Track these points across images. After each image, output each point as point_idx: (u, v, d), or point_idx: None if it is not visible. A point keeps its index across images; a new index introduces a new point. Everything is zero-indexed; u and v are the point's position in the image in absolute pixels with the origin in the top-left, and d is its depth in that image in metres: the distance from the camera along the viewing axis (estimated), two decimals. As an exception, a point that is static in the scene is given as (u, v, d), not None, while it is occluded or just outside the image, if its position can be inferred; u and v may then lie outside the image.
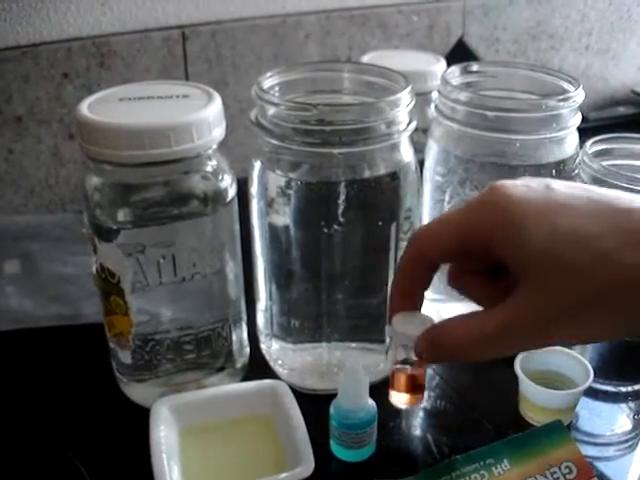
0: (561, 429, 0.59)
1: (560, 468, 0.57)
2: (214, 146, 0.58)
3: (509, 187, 0.42)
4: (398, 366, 0.57)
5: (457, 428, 0.65)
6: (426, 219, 0.71)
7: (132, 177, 0.57)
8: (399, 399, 0.59)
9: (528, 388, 0.62)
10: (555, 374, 0.65)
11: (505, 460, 0.57)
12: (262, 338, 0.69)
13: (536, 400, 0.62)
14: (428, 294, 0.74)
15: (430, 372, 0.71)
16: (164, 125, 0.54)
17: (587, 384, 0.61)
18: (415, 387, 0.58)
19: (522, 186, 0.42)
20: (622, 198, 0.41)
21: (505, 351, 0.45)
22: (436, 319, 0.74)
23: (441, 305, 0.74)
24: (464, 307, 0.72)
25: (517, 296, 0.42)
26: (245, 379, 0.67)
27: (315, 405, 0.60)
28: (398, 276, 0.49)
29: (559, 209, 0.40)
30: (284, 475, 0.54)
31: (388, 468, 0.59)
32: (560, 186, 0.42)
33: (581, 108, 0.67)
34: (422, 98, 0.70)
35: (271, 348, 0.68)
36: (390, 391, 0.59)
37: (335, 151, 0.56)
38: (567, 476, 0.56)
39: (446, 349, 0.46)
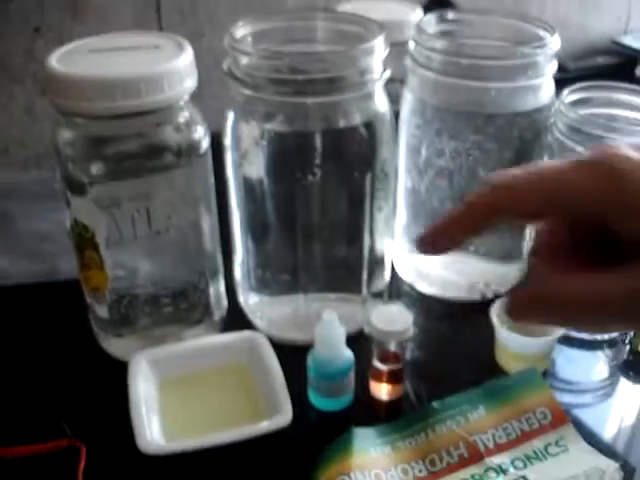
0: (536, 376, 0.59)
1: (535, 414, 0.57)
2: (186, 97, 0.57)
3: (625, 149, 0.36)
4: (377, 360, 0.59)
5: (435, 377, 0.66)
6: (402, 171, 0.71)
7: (104, 130, 0.56)
8: (379, 390, 0.60)
9: (504, 336, 0.63)
10: None
11: (481, 406, 0.57)
12: (240, 291, 0.69)
13: (511, 347, 0.63)
14: (405, 245, 0.75)
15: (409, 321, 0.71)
16: (135, 76, 0.53)
17: (562, 330, 0.62)
18: (395, 379, 0.60)
19: (637, 148, 0.36)
20: None
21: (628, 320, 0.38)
22: (414, 271, 0.75)
23: (418, 256, 0.74)
24: (441, 257, 0.72)
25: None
26: (223, 331, 0.67)
27: (293, 356, 0.60)
28: (459, 213, 0.40)
29: None
30: (262, 424, 0.54)
31: (366, 416, 0.60)
32: None
33: (560, 58, 0.66)
34: (399, 48, 0.69)
35: (249, 301, 0.68)
36: (370, 383, 0.60)
37: (309, 101, 0.56)
38: (542, 422, 0.57)
39: (556, 306, 0.39)
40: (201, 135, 0.59)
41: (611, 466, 0.53)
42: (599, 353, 0.69)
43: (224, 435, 0.54)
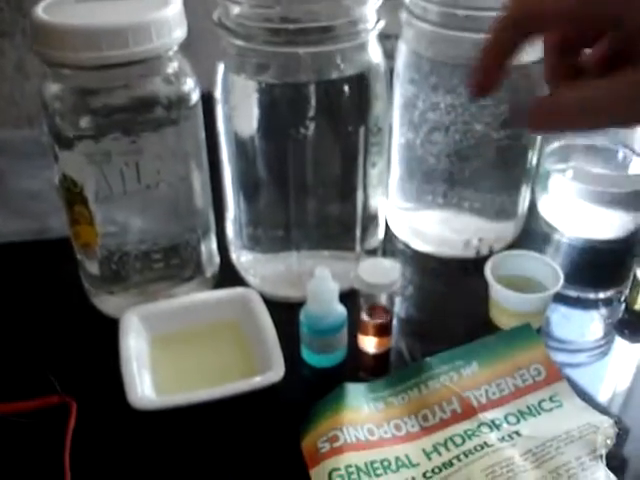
0: (530, 332, 0.59)
1: (529, 370, 0.57)
2: (175, 47, 0.56)
3: None
4: (365, 313, 0.58)
5: (429, 333, 0.65)
6: (396, 126, 0.70)
7: (91, 81, 0.55)
8: (368, 344, 0.60)
9: (498, 292, 0.62)
10: (525, 279, 0.64)
11: (474, 362, 0.57)
12: (232, 248, 0.69)
13: (506, 304, 0.62)
14: (399, 203, 0.74)
15: (403, 280, 0.71)
16: (122, 25, 0.52)
17: (557, 288, 0.61)
18: (382, 332, 0.59)
19: None
20: None
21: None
22: (409, 229, 0.74)
23: (413, 214, 0.73)
24: (435, 214, 0.72)
25: None
26: (216, 288, 0.67)
27: (287, 313, 0.59)
28: (491, 37, 0.43)
29: None
30: (254, 380, 0.54)
31: (359, 373, 0.60)
32: None
33: None
34: (394, 3, 0.68)
35: (241, 258, 0.68)
36: (359, 336, 0.60)
37: (300, 51, 0.54)
38: (536, 378, 0.57)
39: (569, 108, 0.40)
40: (191, 87, 0.58)
41: (605, 422, 0.53)
42: (594, 312, 0.68)
43: (215, 390, 0.53)
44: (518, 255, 0.65)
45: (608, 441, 0.52)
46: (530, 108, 0.41)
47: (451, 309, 0.68)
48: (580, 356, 0.64)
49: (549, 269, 0.63)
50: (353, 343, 0.61)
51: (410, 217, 0.74)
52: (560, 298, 0.67)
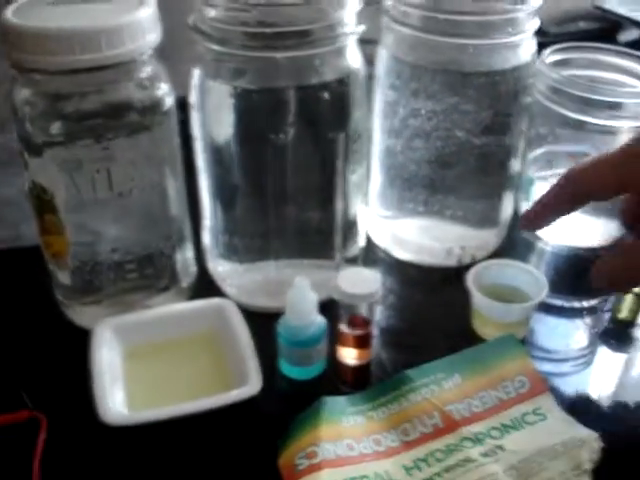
0: (514, 343, 0.58)
1: (513, 382, 0.56)
2: (149, 52, 0.54)
3: None
4: (345, 324, 0.57)
5: (410, 344, 0.64)
6: (377, 133, 0.69)
7: (62, 86, 0.53)
8: (347, 355, 0.58)
9: (480, 302, 0.61)
10: (509, 288, 0.63)
11: (456, 374, 0.56)
12: (209, 257, 0.67)
13: (489, 314, 0.61)
14: (380, 211, 0.73)
15: (383, 290, 0.70)
16: (94, 28, 0.50)
17: (541, 297, 0.60)
18: (362, 344, 0.58)
19: None
20: None
21: None
22: (389, 237, 0.73)
23: (393, 222, 0.72)
24: (417, 222, 0.71)
25: None
26: (192, 299, 0.65)
27: (265, 324, 0.58)
28: (550, 201, 0.52)
29: None
30: (229, 394, 0.52)
31: (338, 385, 0.58)
32: None
33: (542, 23, 0.64)
34: (375, 7, 0.67)
35: (218, 268, 0.66)
36: (338, 348, 0.58)
37: (278, 55, 0.53)
38: (519, 390, 0.55)
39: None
40: (165, 92, 0.56)
41: (590, 436, 0.52)
42: (579, 321, 0.67)
43: (189, 406, 0.52)
44: (501, 264, 0.64)
45: (593, 455, 0.51)
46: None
47: (433, 319, 0.67)
48: (565, 366, 0.63)
49: (533, 278, 0.62)
50: (333, 355, 0.59)
51: (391, 225, 0.72)
52: (544, 307, 0.66)
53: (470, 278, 0.61)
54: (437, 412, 0.53)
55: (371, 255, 0.73)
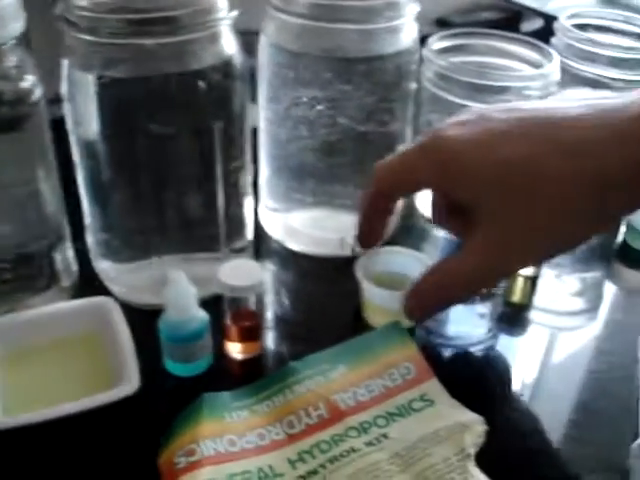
0: (399, 330, 0.57)
1: (398, 369, 0.55)
2: (12, 41, 0.52)
3: (446, 130, 0.46)
4: (229, 317, 0.56)
5: (303, 337, 0.63)
6: (262, 123, 0.68)
7: None
8: (234, 349, 0.57)
9: (369, 291, 0.60)
10: (398, 275, 0.63)
11: (342, 364, 0.55)
12: (93, 256, 0.65)
13: (378, 302, 0.60)
14: (269, 203, 0.72)
15: (272, 281, 0.69)
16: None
17: None
18: (249, 337, 0.57)
19: (458, 125, 0.47)
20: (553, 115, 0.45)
21: (490, 284, 0.54)
22: (281, 229, 0.72)
23: (284, 214, 0.71)
24: (307, 213, 0.70)
25: (477, 233, 0.46)
26: (77, 298, 0.62)
27: (154, 321, 0.56)
28: (363, 209, 0.54)
29: (494, 139, 0.45)
30: (106, 394, 0.51)
31: (224, 381, 0.57)
32: (494, 113, 0.46)
33: (445, 13, 0.64)
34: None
35: (101, 266, 0.64)
36: (225, 342, 0.57)
37: (147, 42, 0.51)
38: (406, 377, 0.55)
39: (434, 296, 0.51)
40: (32, 84, 0.54)
41: (474, 420, 0.51)
42: (474, 306, 0.67)
43: (64, 407, 0.49)
44: (390, 252, 0.63)
45: (478, 439, 0.50)
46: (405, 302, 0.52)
47: (327, 310, 0.66)
48: (460, 352, 0.63)
49: (420, 264, 0.62)
50: (222, 350, 0.58)
51: (282, 217, 0.71)
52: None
53: (358, 267, 0.61)
54: (322, 403, 0.52)
55: (264, 247, 0.72)
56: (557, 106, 0.46)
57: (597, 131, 0.43)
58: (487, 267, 0.47)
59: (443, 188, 0.49)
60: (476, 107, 0.50)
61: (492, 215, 0.45)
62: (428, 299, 0.52)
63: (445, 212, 0.54)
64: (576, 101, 0.46)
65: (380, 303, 0.60)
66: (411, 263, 0.63)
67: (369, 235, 0.56)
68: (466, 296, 0.52)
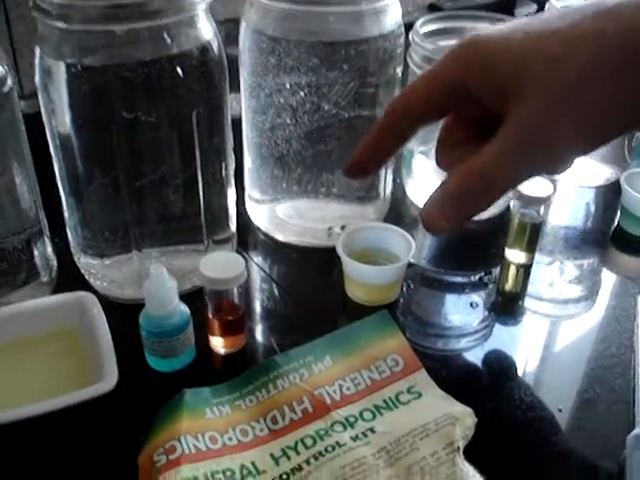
0: (387, 321, 0.56)
1: (386, 361, 0.54)
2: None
3: (478, 30, 0.41)
4: (211, 311, 0.54)
5: (292, 329, 0.61)
6: (244, 111, 0.66)
7: None
8: (217, 343, 0.56)
9: (348, 266, 0.60)
10: (380, 251, 0.63)
11: (327, 356, 0.53)
12: (74, 251, 0.63)
13: (359, 278, 0.60)
14: (255, 194, 0.70)
15: (259, 272, 0.67)
16: None
17: (409, 257, 0.60)
18: (231, 330, 0.56)
19: (489, 27, 0.42)
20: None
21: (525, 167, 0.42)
22: (268, 220, 0.70)
23: (270, 205, 0.70)
24: (294, 204, 0.68)
25: (514, 114, 0.40)
26: (57, 293, 0.61)
27: (136, 316, 0.54)
28: (378, 126, 0.45)
29: (521, 28, 0.40)
30: (83, 391, 0.49)
31: (207, 376, 0.55)
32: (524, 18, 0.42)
33: None
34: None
35: (82, 261, 0.62)
36: (208, 337, 0.55)
37: (117, 29, 0.49)
38: (393, 369, 0.53)
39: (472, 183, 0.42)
40: (2, 73, 0.52)
41: (464, 412, 0.50)
42: (465, 294, 0.66)
43: (40, 406, 0.48)
44: (370, 227, 0.63)
45: (467, 432, 0.49)
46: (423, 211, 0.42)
47: (315, 301, 0.64)
48: (451, 342, 0.61)
49: (401, 238, 0.61)
50: (204, 343, 0.57)
51: (268, 208, 0.70)
52: (430, 281, 0.65)
53: (339, 244, 0.60)
54: (307, 397, 0.51)
55: (251, 238, 0.71)
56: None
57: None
58: (526, 147, 0.41)
59: (474, 79, 0.41)
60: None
61: (532, 89, 0.40)
62: (449, 201, 0.43)
63: (461, 132, 0.46)
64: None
65: (361, 278, 0.60)
66: (394, 238, 0.62)
67: (371, 153, 0.46)
68: (489, 192, 0.42)
